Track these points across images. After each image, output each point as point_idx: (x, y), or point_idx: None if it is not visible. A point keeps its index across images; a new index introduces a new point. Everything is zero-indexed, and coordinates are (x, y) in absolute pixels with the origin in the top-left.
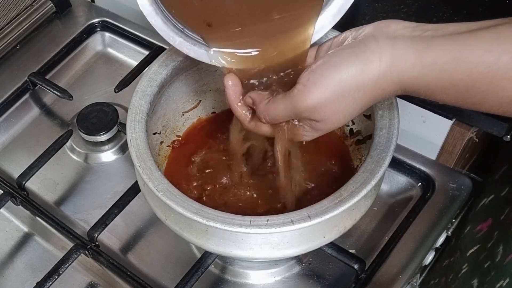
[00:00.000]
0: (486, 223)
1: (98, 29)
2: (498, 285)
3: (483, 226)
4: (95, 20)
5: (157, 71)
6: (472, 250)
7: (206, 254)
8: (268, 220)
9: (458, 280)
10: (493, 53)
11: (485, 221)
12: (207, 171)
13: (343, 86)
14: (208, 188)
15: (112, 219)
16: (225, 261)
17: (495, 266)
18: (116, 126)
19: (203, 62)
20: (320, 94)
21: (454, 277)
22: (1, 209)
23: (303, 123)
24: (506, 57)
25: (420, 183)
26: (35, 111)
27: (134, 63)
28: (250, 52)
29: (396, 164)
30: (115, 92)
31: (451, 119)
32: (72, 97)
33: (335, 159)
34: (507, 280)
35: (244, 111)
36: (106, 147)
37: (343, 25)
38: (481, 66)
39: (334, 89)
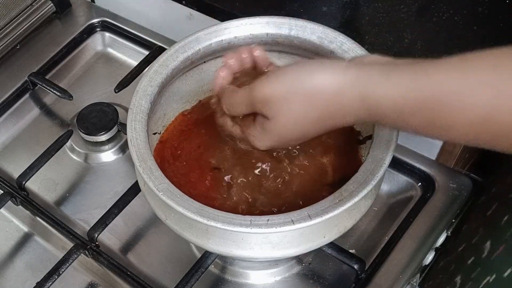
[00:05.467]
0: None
1: (98, 29)
2: (485, 281)
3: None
4: (95, 20)
5: (157, 71)
6: (461, 248)
7: (206, 254)
8: (268, 220)
9: (446, 277)
10: (455, 79)
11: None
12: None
13: (300, 86)
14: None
15: (112, 219)
16: (225, 261)
17: (481, 262)
18: (116, 126)
19: (203, 63)
20: (276, 87)
21: (443, 276)
22: (1, 209)
23: (255, 123)
24: (472, 79)
25: (420, 183)
26: (35, 111)
27: (134, 63)
28: None
29: (396, 164)
30: (115, 92)
31: None
32: (72, 97)
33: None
34: (494, 276)
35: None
36: (106, 147)
37: (342, 25)
38: (444, 90)
39: (291, 85)
